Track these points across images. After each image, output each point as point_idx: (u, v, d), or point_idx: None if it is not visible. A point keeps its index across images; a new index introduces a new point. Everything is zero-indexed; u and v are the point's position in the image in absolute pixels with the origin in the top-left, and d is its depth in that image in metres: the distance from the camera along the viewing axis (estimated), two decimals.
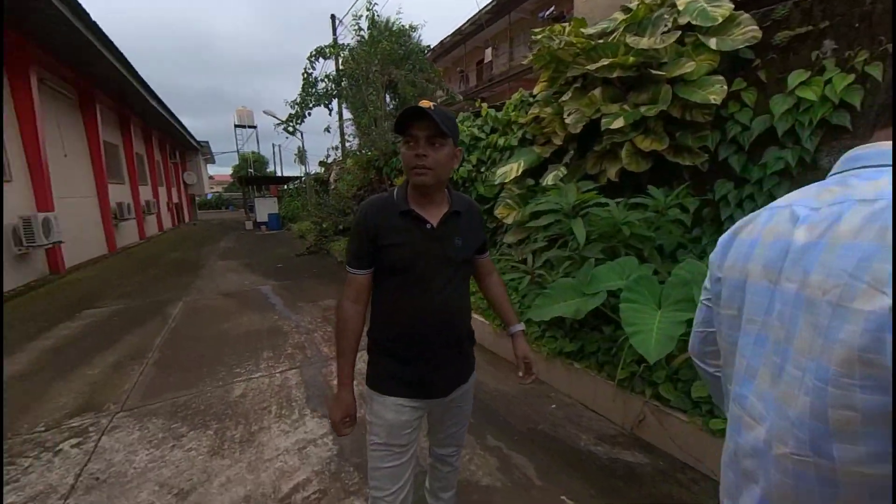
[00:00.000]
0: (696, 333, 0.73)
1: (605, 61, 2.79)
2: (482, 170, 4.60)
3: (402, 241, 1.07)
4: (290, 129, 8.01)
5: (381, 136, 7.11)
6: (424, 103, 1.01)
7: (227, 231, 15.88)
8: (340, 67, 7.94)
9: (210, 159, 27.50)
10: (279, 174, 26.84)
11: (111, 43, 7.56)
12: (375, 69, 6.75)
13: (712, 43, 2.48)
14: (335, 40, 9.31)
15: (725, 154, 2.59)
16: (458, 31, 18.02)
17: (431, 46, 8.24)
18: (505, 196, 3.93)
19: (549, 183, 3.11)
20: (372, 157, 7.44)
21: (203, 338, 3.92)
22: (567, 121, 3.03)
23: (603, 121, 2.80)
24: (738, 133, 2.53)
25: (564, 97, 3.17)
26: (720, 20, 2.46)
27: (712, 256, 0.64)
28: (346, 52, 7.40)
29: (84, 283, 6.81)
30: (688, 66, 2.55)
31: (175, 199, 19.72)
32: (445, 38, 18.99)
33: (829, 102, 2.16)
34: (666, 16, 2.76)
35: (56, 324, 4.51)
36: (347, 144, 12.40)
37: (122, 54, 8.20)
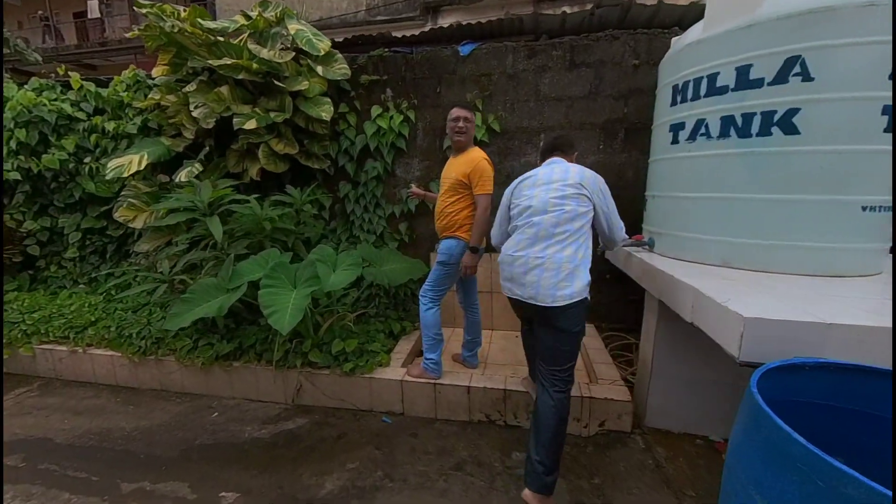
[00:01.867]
0: (501, 233, 1.87)
1: (228, 60, 2.81)
2: (86, 160, 3.46)
3: None
4: None
5: None
6: None
7: None
8: None
9: None
10: None
11: None
12: None
13: (319, 70, 3.05)
14: None
15: (342, 162, 3.31)
16: None
17: None
18: (128, 195, 3.18)
19: (183, 180, 2.81)
20: None
21: None
22: (195, 114, 2.83)
23: (235, 121, 2.83)
24: (349, 146, 3.29)
25: (189, 87, 2.93)
26: (322, 52, 3.06)
27: (507, 190, 1.83)
28: None
29: None
30: (304, 84, 3.01)
31: None
32: None
33: (394, 132, 3.22)
34: (284, 32, 3.11)
35: None
36: None
37: None
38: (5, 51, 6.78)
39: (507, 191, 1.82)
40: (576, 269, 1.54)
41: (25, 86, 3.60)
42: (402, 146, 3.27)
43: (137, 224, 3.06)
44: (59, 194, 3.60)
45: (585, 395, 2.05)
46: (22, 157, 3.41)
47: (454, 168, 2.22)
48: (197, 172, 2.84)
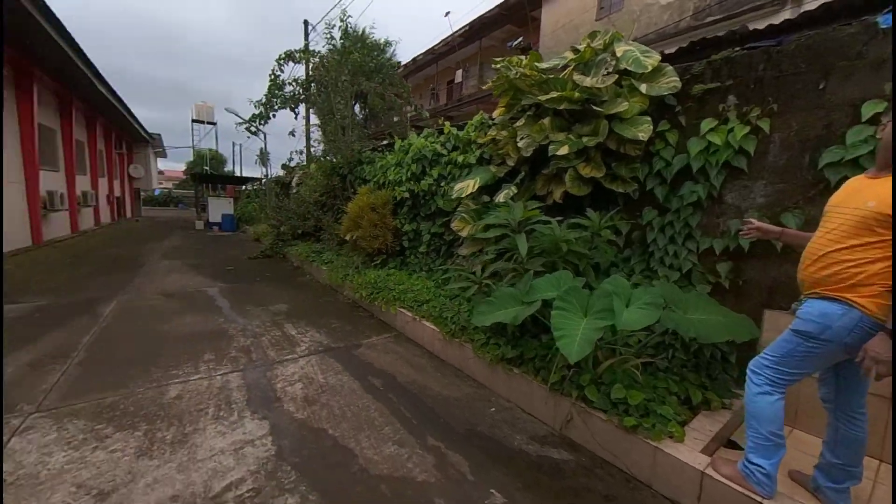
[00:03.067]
0: None
1: (554, 94, 3.08)
2: (442, 184, 4.78)
3: None
4: (253, 129, 7.82)
5: (348, 144, 7.14)
6: None
7: (174, 230, 14.95)
8: (310, 73, 7.94)
9: (161, 153, 25.84)
10: (238, 174, 25.71)
11: (51, 12, 7.03)
12: (345, 79, 6.83)
13: (643, 88, 2.84)
14: (307, 45, 9.30)
15: (651, 185, 2.94)
16: (431, 51, 18.57)
17: (403, 63, 8.44)
18: (461, 210, 4.12)
19: (501, 200, 3.34)
20: (337, 165, 7.44)
21: (138, 339, 3.70)
22: (519, 144, 3.28)
23: (550, 147, 3.07)
24: (663, 167, 2.88)
25: (518, 122, 3.43)
26: (650, 69, 2.83)
27: None
28: (317, 59, 7.43)
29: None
30: (622, 106, 2.89)
31: (117, 193, 18.29)
32: (419, 56, 19.46)
33: (731, 147, 2.55)
34: (608, 59, 3.12)
35: None
36: (312, 150, 12.25)
37: (64, 28, 7.63)
38: (410, 110, 10.36)
39: None
40: None
41: (420, 135, 5.38)
42: (741, 165, 2.54)
43: (464, 233, 3.91)
44: (423, 208, 5.17)
45: None
46: (411, 183, 5.12)
47: (873, 193, 1.45)
48: (512, 194, 3.30)
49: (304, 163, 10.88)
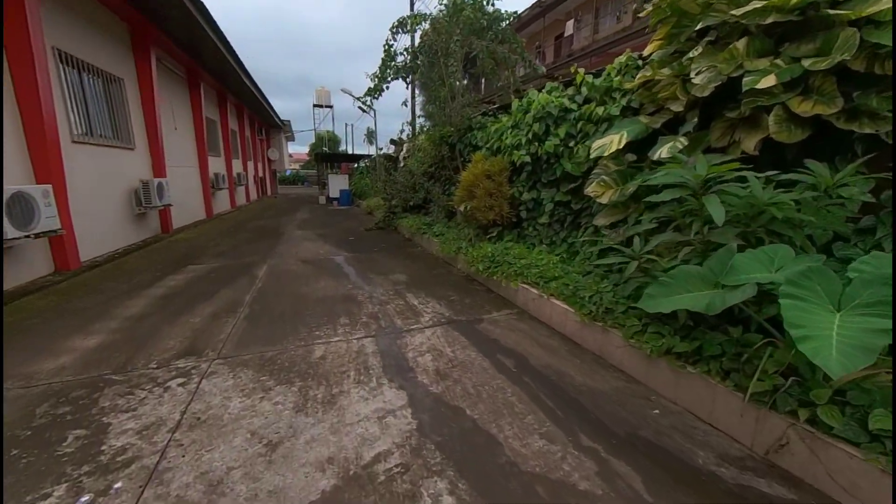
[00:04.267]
0: None
1: (756, 4, 2.26)
2: (570, 144, 4.19)
3: None
4: (368, 104, 8.09)
5: (457, 111, 6.88)
6: None
7: (303, 204, 16.99)
8: (418, 41, 7.81)
9: (291, 137, 29.54)
10: (350, 153, 28.04)
11: (216, 25, 8.16)
12: (457, 38, 6.48)
13: None
14: (413, 10, 9.17)
15: None
16: (539, 3, 16.93)
17: (518, 12, 7.67)
18: (599, 173, 3.52)
19: (664, 156, 2.66)
20: (445, 134, 7.28)
21: (285, 298, 4.12)
22: (695, 81, 2.54)
23: (745, 80, 2.29)
24: None
25: (692, 53, 2.66)
26: None
27: None
28: (427, 24, 7.21)
29: (186, 242, 7.63)
30: (881, 3, 1.95)
31: (260, 174, 21.54)
32: (523, 12, 17.97)
33: None
34: None
35: (166, 275, 5.07)
36: (418, 125, 12.39)
37: (224, 36, 8.85)
38: (524, 68, 9.51)
39: None
40: None
41: (543, 90, 4.79)
42: None
43: (604, 199, 3.34)
44: (545, 173, 4.64)
45: None
46: (533, 145, 4.61)
47: None
48: (681, 147, 2.60)
49: (412, 135, 11.06)
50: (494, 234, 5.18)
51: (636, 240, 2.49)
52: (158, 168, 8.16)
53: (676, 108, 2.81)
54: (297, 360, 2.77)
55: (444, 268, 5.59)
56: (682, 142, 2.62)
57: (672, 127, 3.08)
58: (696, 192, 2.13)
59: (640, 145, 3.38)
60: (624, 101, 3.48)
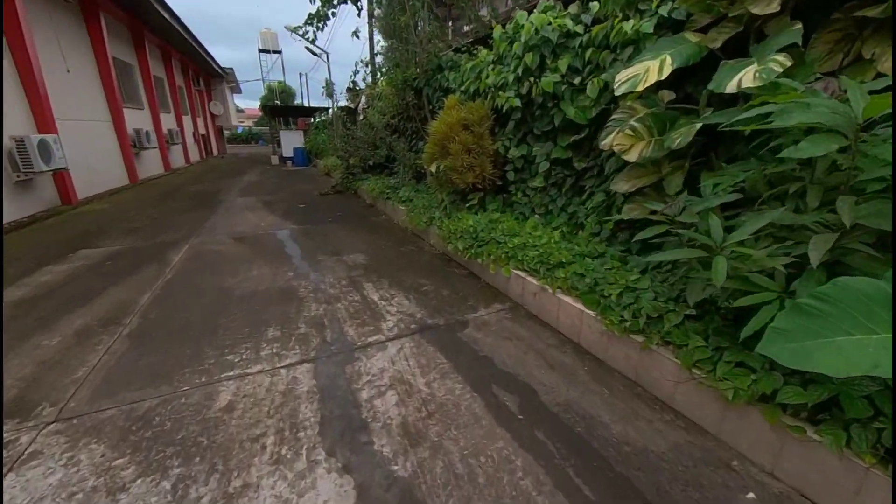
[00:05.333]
0: None
1: None
2: (575, 82, 3.15)
3: None
4: (311, 37, 6.51)
5: (423, 45, 5.56)
6: None
7: (254, 165, 15.07)
8: None
9: (236, 88, 26.09)
10: (308, 105, 25.20)
11: None
12: None
13: None
14: None
15: None
16: None
17: None
18: (622, 118, 2.55)
19: (748, 86, 1.70)
20: (409, 76, 5.97)
21: (198, 298, 3.03)
22: None
23: None
24: None
25: None
26: None
27: None
28: None
29: (93, 216, 6.13)
30: None
31: (202, 130, 18.89)
32: None
33: None
34: None
35: (41, 266, 3.78)
36: (380, 69, 10.68)
37: None
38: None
39: None
40: None
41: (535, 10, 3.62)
42: None
43: (632, 155, 2.39)
44: (539, 122, 3.61)
45: None
46: (523, 84, 3.52)
47: None
48: (781, 70, 1.64)
49: (372, 81, 9.48)
50: (475, 202, 4.19)
51: (713, 220, 1.57)
52: (43, 122, 6.35)
53: (763, 8, 1.81)
54: (186, 418, 1.78)
55: (413, 243, 4.59)
56: (780, 61, 1.66)
57: (735, 48, 2.12)
58: (853, 140, 1.22)
59: (680, 78, 2.43)
60: (664, 10, 2.43)
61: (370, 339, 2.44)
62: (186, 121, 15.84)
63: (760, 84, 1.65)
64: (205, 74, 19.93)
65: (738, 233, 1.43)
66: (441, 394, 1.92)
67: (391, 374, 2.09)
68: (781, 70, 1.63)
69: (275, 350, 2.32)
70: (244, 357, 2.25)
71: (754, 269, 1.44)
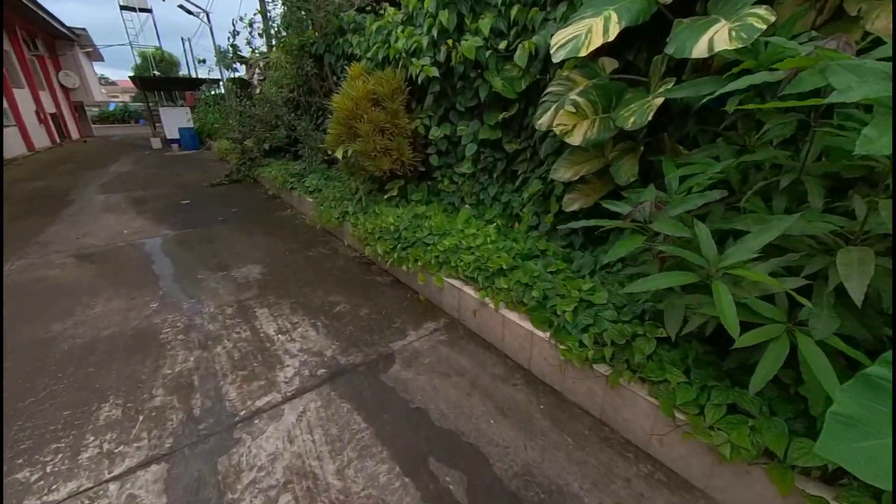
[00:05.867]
0: None
1: None
2: (500, 47, 2.63)
3: None
4: None
5: (318, 3, 4.59)
6: None
7: (128, 150, 12.39)
8: None
9: (95, 55, 21.13)
10: (194, 77, 21.39)
11: None
12: None
13: None
14: None
15: None
16: None
17: None
18: (558, 91, 2.11)
19: (728, 47, 1.31)
20: (306, 41, 4.95)
21: (5, 357, 2.04)
22: None
23: None
24: None
25: None
26: None
27: None
28: None
29: None
30: None
31: (50, 108, 15.00)
32: None
33: None
34: None
35: None
36: (275, 33, 9.10)
37: None
38: None
39: None
40: None
41: None
42: None
43: (576, 138, 1.97)
44: (462, 95, 3.06)
45: None
46: (444, 49, 2.91)
47: None
48: (764, 27, 1.27)
49: (268, 47, 8.01)
50: (395, 192, 3.56)
51: (701, 232, 1.19)
52: None
53: None
54: None
55: (325, 244, 3.85)
56: (762, 16, 1.30)
57: (682, 8, 1.76)
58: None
59: (618, 45, 2.03)
60: None
61: (259, 403, 1.77)
62: (21, 96, 12.34)
63: (739, 45, 1.27)
64: (45, 35, 15.66)
65: (738, 249, 1.07)
66: (359, 487, 1.38)
67: (287, 462, 1.47)
68: (764, 27, 1.26)
69: (106, 447, 1.55)
70: (50, 469, 1.46)
71: (754, 293, 1.10)
